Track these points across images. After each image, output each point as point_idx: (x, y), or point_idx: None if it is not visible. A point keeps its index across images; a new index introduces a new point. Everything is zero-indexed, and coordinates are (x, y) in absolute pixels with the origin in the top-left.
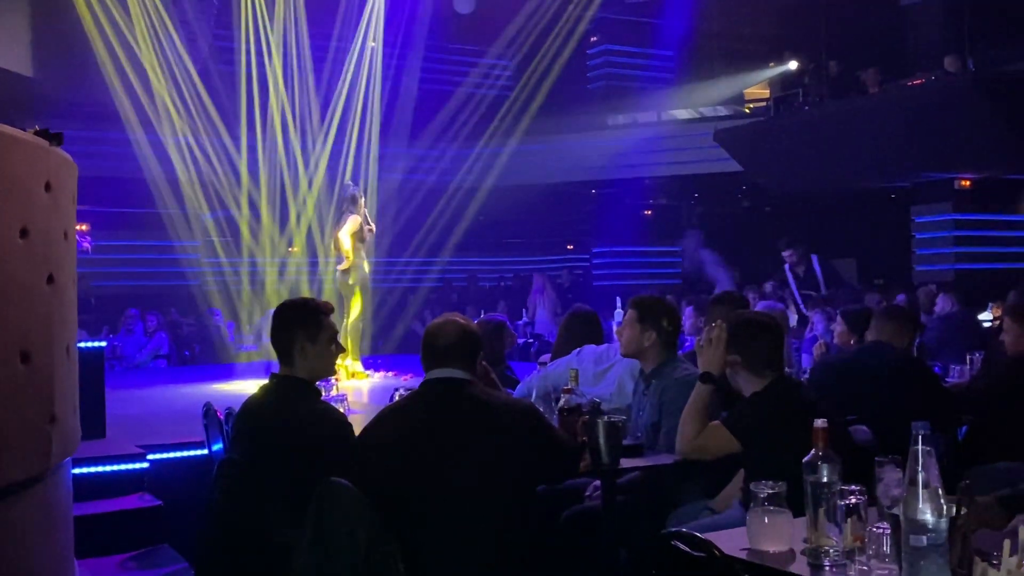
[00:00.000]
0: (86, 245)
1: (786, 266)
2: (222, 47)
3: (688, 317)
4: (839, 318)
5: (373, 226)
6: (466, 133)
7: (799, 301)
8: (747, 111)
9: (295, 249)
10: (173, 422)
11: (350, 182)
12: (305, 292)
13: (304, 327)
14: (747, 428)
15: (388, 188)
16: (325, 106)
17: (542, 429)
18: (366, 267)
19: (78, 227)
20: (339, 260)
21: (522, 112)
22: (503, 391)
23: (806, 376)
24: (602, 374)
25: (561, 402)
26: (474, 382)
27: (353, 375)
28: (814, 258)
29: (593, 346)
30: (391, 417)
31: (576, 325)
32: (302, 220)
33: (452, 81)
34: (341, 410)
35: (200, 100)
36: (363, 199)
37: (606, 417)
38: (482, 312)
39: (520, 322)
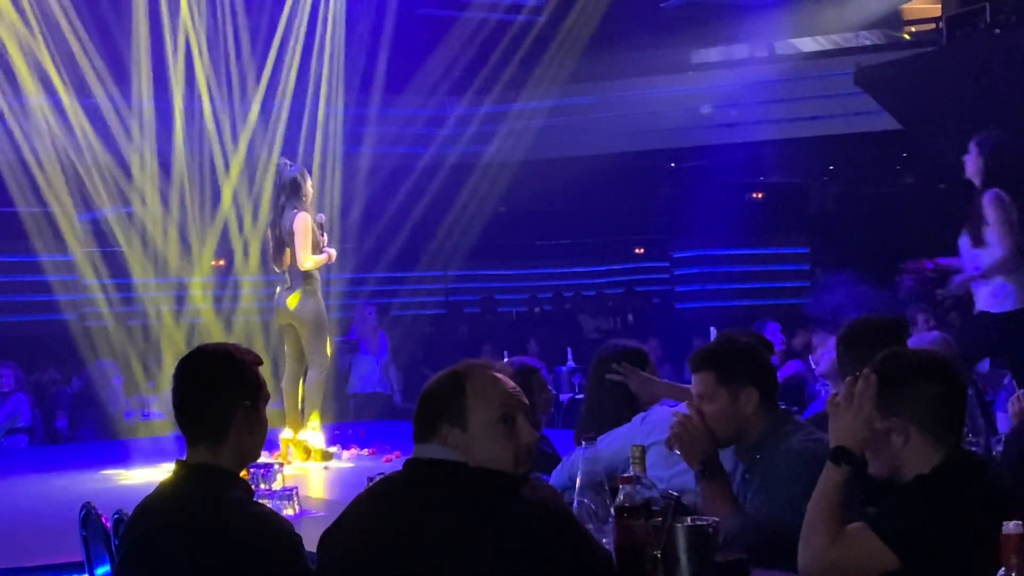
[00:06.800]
0: None
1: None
2: None
3: (826, 351)
4: None
5: (323, 219)
6: (477, 82)
7: None
8: (906, 38)
9: (220, 262)
10: (36, 532)
11: (286, 160)
12: (217, 329)
13: (247, 390)
14: (909, 533)
15: (357, 167)
16: (263, 46)
17: (569, 538)
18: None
19: None
20: (292, 281)
21: (562, 48)
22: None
23: (999, 449)
24: None
25: (619, 497)
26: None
27: (310, 455)
28: None
29: (665, 408)
30: (358, 513)
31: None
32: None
33: (453, 3)
34: (290, 511)
35: (74, 42)
36: (310, 183)
37: (689, 520)
38: (505, 354)
39: (564, 368)
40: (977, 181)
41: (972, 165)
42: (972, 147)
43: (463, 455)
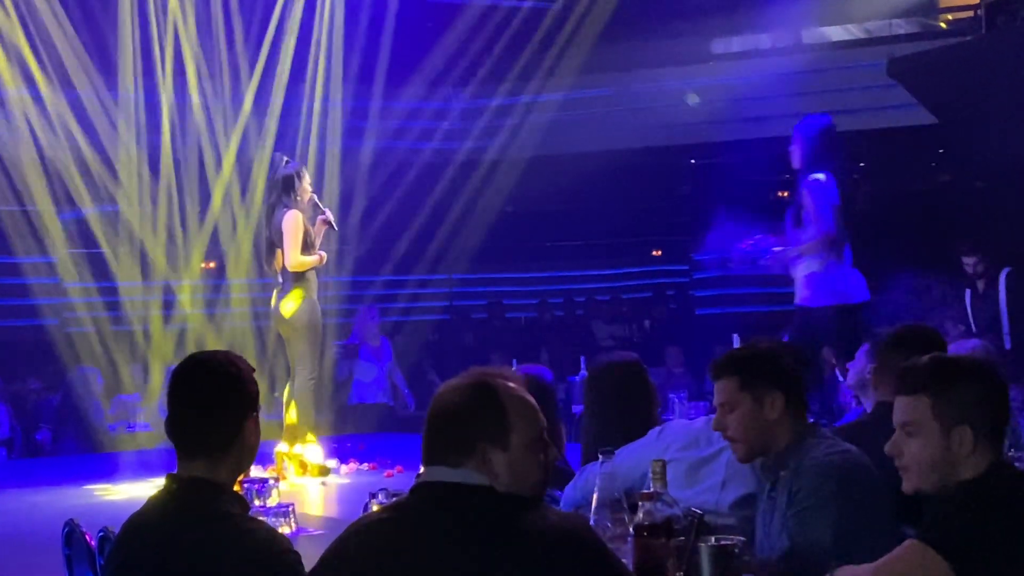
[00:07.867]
0: None
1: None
2: None
3: (852, 363)
4: None
5: (331, 216)
6: (484, 73)
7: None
8: (943, 27)
9: (210, 264)
10: (16, 551)
11: (282, 156)
12: (208, 336)
13: (250, 400)
14: (964, 541)
15: (357, 163)
16: (258, 35)
17: (597, 562)
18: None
19: None
20: (284, 284)
21: (575, 37)
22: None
23: None
24: (700, 465)
25: (638, 515)
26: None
27: (307, 469)
28: (1003, 274)
29: (681, 421)
30: (360, 540)
31: (611, 389)
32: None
33: None
34: (286, 530)
35: (56, 31)
36: (307, 180)
37: (713, 539)
38: (514, 362)
39: (576, 377)
40: (797, 164)
41: (794, 151)
42: (794, 132)
43: (491, 477)
